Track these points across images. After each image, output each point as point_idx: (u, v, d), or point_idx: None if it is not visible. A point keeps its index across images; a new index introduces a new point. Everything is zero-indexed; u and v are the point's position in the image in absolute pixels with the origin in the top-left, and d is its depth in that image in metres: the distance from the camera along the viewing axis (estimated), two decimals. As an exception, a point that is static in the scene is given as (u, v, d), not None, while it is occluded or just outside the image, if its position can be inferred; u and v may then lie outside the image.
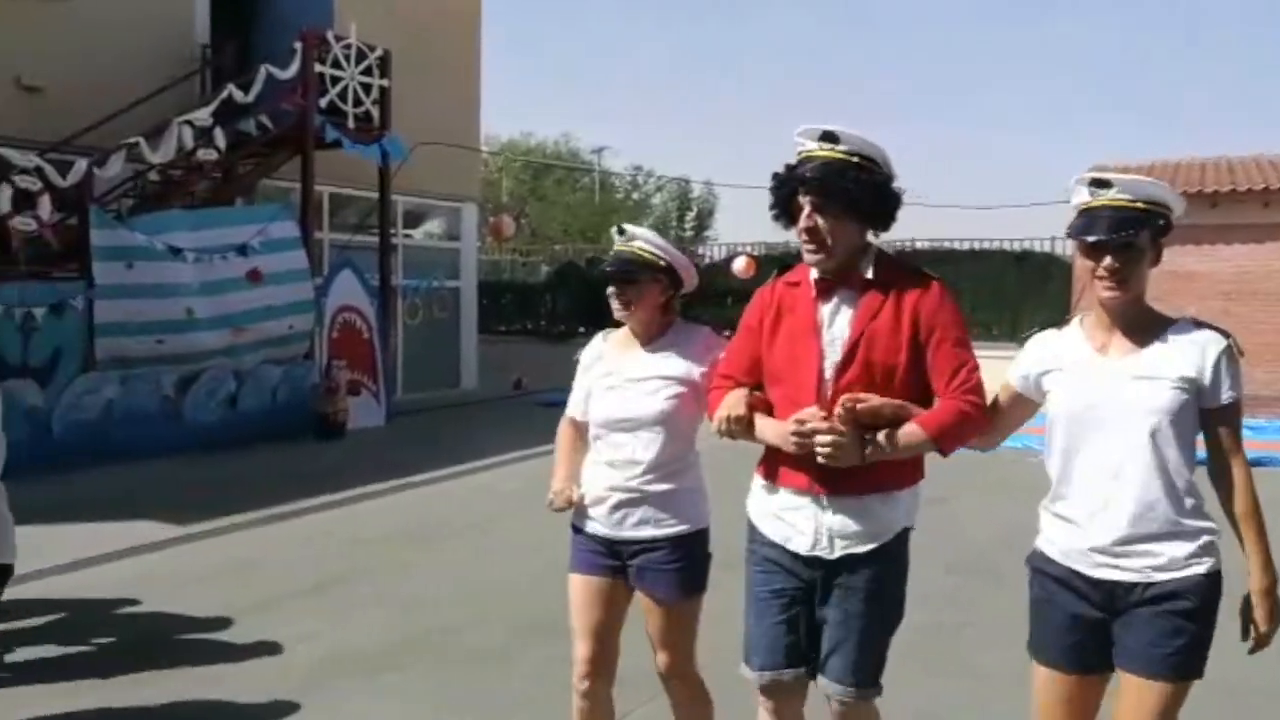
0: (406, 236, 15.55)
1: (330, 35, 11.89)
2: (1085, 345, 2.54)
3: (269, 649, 4.84)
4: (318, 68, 11.56)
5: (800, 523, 2.67)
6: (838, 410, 2.49)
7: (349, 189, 13.81)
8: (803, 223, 2.61)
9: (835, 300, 2.67)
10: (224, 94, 10.82)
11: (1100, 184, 2.46)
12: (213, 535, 6.99)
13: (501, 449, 10.29)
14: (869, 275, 2.65)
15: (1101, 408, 2.45)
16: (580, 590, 3.12)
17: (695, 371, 3.01)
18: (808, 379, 2.63)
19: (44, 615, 5.34)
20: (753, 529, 2.81)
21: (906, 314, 2.61)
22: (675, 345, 3.08)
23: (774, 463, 2.74)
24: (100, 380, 9.57)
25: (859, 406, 2.50)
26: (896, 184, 2.65)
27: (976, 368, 2.61)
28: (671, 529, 3.00)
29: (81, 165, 9.40)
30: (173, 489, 8.30)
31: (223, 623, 5.21)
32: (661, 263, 3.07)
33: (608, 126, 79.79)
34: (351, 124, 12.02)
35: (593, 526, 3.09)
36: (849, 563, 2.63)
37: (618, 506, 3.01)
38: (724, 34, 72.55)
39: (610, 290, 3.07)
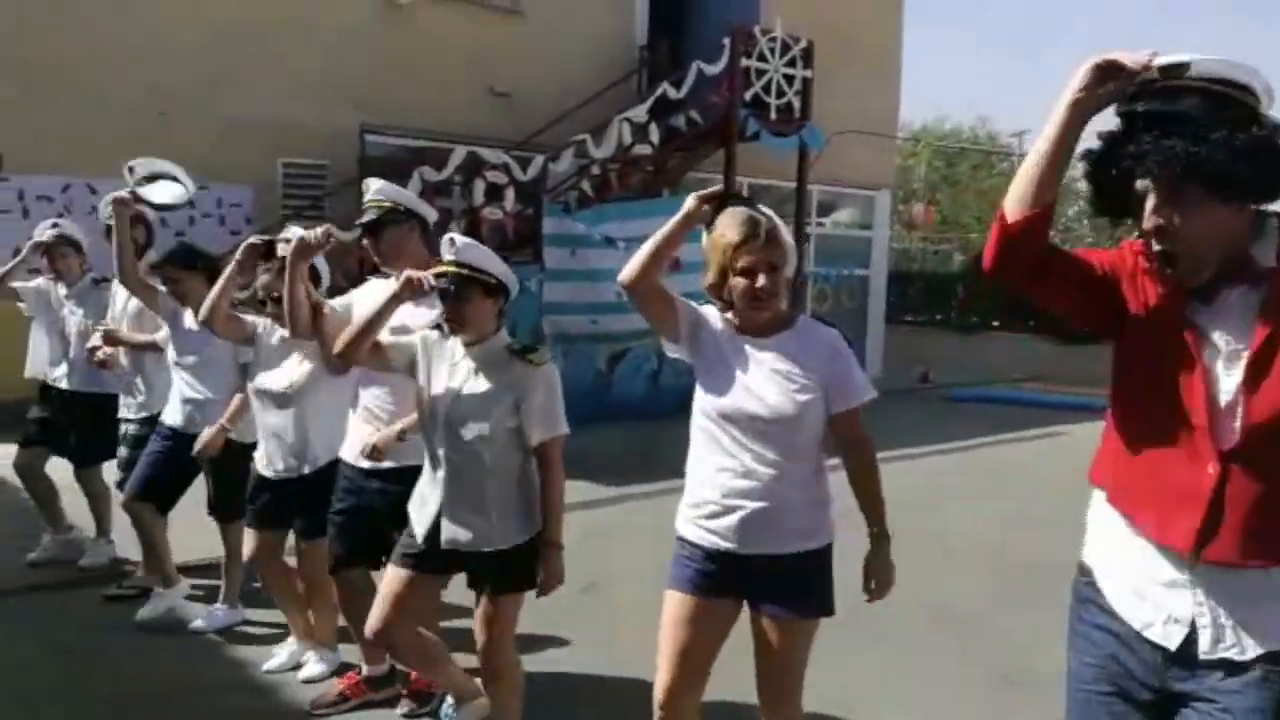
0: (819, 224, 15.80)
1: (757, 30, 12.34)
2: None
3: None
4: (744, 62, 12.02)
5: (1175, 605, 1.77)
6: None
7: (769, 179, 14.28)
8: (1148, 221, 1.75)
9: (1220, 293, 1.79)
10: (659, 91, 11.61)
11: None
12: (645, 497, 7.62)
13: (909, 441, 10.17)
14: (1268, 264, 1.76)
15: None
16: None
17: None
18: (1191, 407, 1.75)
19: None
20: (1090, 583, 1.93)
21: None
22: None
23: (1133, 487, 1.84)
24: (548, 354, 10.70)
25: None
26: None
27: None
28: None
29: (539, 161, 10.55)
30: (609, 454, 9.10)
31: (648, 570, 5.68)
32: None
33: (1029, 110, 75.34)
34: (773, 115, 12.40)
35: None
36: (1226, 670, 1.74)
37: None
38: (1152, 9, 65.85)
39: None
